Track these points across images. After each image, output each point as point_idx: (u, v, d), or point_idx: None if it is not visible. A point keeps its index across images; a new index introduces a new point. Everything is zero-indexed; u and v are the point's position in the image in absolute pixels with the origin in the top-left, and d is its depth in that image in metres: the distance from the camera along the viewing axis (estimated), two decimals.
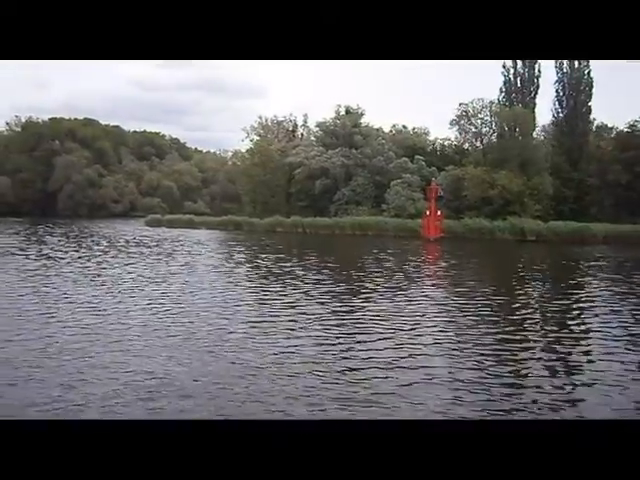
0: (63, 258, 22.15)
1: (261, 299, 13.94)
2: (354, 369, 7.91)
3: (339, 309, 12.59)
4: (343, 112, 46.79)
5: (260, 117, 60.57)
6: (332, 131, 46.22)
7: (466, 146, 45.73)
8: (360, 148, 44.38)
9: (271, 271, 19.39)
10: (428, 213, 34.82)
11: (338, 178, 43.74)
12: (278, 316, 11.74)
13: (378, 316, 11.71)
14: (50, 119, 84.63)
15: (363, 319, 11.50)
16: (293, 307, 12.72)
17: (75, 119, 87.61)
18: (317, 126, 48.24)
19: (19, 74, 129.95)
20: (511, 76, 44.66)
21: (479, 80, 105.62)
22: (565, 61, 43.77)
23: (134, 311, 11.89)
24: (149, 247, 29.25)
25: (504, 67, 44.71)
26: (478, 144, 43.26)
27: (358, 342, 9.54)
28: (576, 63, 43.69)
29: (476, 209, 38.57)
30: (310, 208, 45.29)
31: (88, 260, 21.74)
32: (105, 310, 11.98)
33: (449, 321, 11.63)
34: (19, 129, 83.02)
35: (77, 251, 25.75)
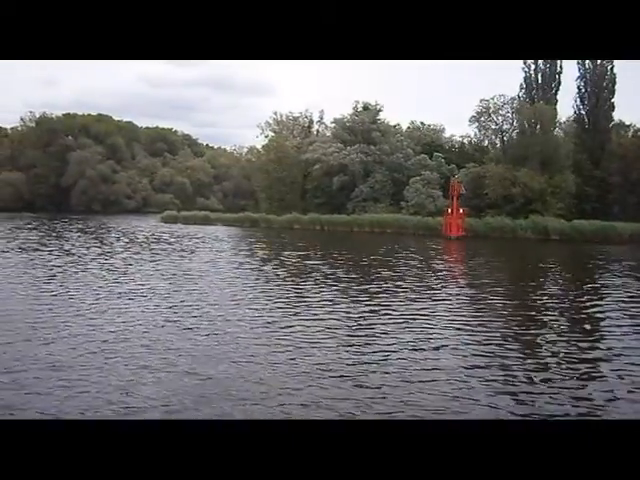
0: (86, 254, 21.99)
1: (296, 297, 13.63)
2: (416, 371, 7.60)
3: (378, 309, 12.26)
4: (361, 108, 46.28)
5: (275, 113, 60.21)
6: (350, 127, 45.74)
7: (485, 143, 45.12)
8: (378, 145, 43.90)
9: (299, 269, 19.09)
10: (450, 211, 34.32)
11: (356, 175, 43.31)
12: (317, 315, 11.44)
13: (421, 316, 11.38)
14: (63, 115, 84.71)
15: (406, 319, 11.16)
16: (331, 306, 12.41)
17: (88, 115, 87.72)
18: (334, 122, 47.78)
19: (29, 71, 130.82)
20: (532, 72, 43.95)
21: (493, 77, 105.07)
22: None
23: (169, 309, 11.62)
24: (169, 244, 29.05)
25: (524, 63, 44.01)
26: (498, 141, 42.65)
27: (408, 342, 9.22)
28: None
29: (497, 207, 38.02)
30: (326, 205, 44.93)
31: (112, 257, 21.52)
32: (139, 308, 11.74)
33: (494, 321, 11.27)
34: (33, 125, 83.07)
35: (99, 247, 25.57)
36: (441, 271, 20.01)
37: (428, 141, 46.54)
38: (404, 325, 10.58)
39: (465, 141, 46.65)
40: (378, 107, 45.99)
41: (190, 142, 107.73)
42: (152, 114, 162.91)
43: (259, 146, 61.10)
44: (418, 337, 9.60)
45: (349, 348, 8.79)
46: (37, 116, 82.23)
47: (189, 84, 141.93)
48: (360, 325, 10.54)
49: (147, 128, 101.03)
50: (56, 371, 7.21)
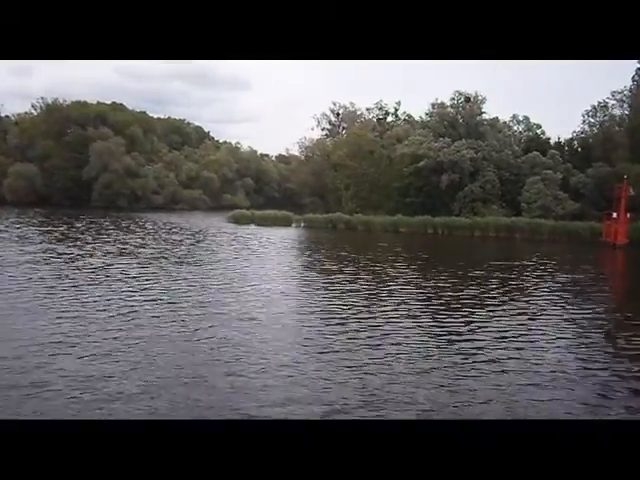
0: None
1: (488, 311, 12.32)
2: None
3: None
4: (462, 99, 41.78)
5: (335, 104, 55.67)
6: (451, 120, 41.33)
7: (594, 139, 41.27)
8: (487, 140, 39.63)
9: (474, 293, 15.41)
10: (615, 215, 30.32)
11: (464, 173, 38.93)
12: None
13: None
14: (73, 102, 77.82)
15: None
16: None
17: (101, 103, 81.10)
18: (434, 114, 43.19)
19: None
20: None
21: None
22: None
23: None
24: (298, 249, 24.39)
25: None
26: (620, 137, 38.84)
27: None
28: None
29: (636, 210, 34.22)
30: (421, 206, 40.40)
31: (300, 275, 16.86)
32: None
33: None
34: (41, 112, 75.93)
35: (253, 255, 20.78)
36: None
37: (533, 137, 42.53)
38: None
39: (574, 137, 42.44)
40: (480, 98, 41.62)
41: (202, 135, 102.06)
42: (130, 107, 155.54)
43: (313, 140, 56.50)
44: None
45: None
46: (49, 103, 75.39)
47: (167, 77, 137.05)
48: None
49: (159, 119, 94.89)
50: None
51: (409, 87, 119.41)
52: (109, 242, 25.96)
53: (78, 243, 24.97)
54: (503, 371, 8.10)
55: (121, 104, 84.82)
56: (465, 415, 6.28)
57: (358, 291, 14.88)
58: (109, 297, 12.94)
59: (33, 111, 76.97)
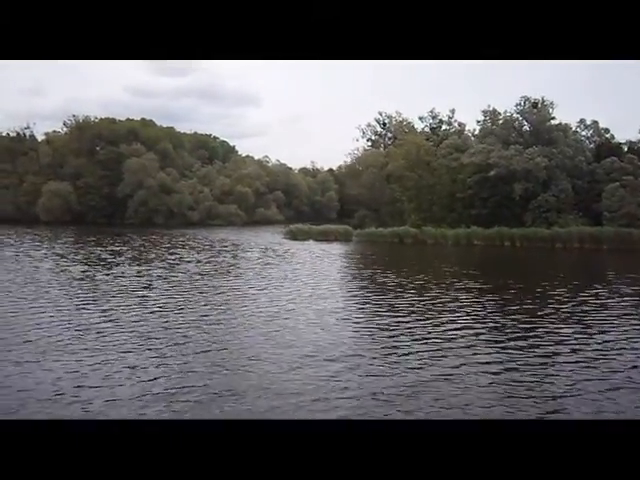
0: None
1: None
2: None
3: None
4: (529, 105, 39.93)
5: (381, 114, 54.29)
6: (517, 127, 39.54)
7: None
8: (560, 147, 37.77)
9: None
10: None
11: (537, 181, 37.05)
12: None
13: None
14: (101, 119, 76.95)
15: None
16: None
17: (130, 119, 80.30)
18: (501, 122, 41.40)
19: (13, 80, 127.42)
20: None
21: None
22: None
23: None
24: (391, 266, 22.55)
25: None
26: None
27: None
28: None
29: None
30: (488, 216, 38.55)
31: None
32: None
33: None
34: (72, 130, 75.01)
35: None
36: None
37: (604, 142, 40.63)
38: None
39: None
40: (548, 103, 39.77)
41: (227, 149, 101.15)
42: None
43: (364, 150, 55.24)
44: None
45: None
46: (81, 120, 74.51)
47: (176, 94, 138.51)
48: None
49: (185, 134, 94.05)
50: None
51: (441, 93, 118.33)
52: (190, 262, 24.36)
53: (161, 264, 23.36)
54: None
55: (150, 120, 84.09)
56: None
57: (523, 314, 13.12)
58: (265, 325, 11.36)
59: (65, 129, 76.09)
